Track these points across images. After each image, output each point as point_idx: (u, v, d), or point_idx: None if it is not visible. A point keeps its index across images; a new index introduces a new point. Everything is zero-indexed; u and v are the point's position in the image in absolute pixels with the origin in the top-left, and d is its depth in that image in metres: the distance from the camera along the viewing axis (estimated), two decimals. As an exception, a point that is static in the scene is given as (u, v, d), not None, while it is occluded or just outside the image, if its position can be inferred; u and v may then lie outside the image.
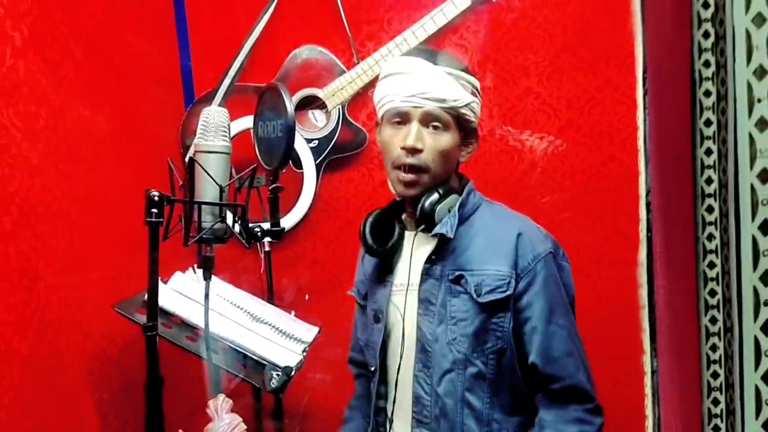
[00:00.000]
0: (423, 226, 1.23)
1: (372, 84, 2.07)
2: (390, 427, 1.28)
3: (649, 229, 0.75)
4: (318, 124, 2.15)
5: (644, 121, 0.75)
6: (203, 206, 1.13)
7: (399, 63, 1.23)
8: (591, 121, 2.01)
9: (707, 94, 0.63)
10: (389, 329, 1.29)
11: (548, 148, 2.05)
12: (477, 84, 1.24)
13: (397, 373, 1.25)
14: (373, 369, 1.30)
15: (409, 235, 1.30)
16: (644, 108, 0.74)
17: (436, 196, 1.22)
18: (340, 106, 2.09)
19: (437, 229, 1.21)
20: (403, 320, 1.25)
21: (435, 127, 1.19)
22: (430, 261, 1.23)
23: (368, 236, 1.28)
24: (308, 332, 1.70)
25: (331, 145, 2.10)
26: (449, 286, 1.21)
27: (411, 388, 1.24)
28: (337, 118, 2.10)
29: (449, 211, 1.22)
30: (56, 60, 1.42)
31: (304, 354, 1.59)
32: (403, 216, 1.33)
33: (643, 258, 0.76)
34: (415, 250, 1.27)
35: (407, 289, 1.26)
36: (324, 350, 1.85)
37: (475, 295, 1.18)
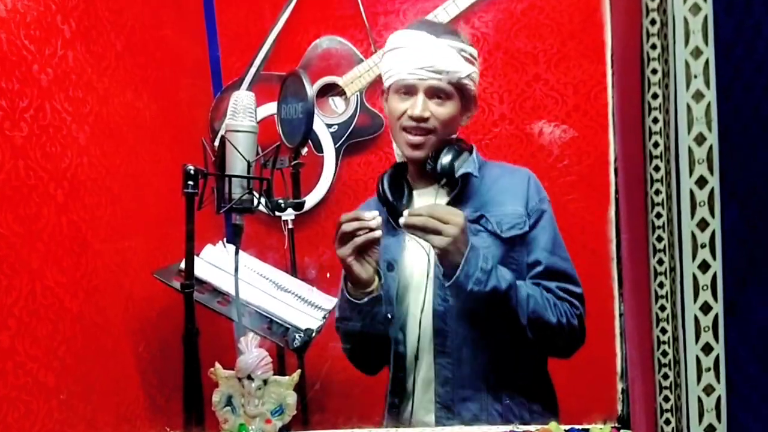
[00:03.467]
0: (444, 180, 1.33)
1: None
2: (416, 365, 1.38)
3: (616, 191, 0.87)
4: (337, 110, 2.27)
5: (611, 98, 0.87)
6: (233, 179, 1.27)
7: (403, 37, 1.35)
8: (597, 106, 2.10)
9: (654, 72, 0.75)
10: (406, 278, 1.39)
11: (557, 133, 2.16)
12: (475, 53, 1.37)
13: (421, 312, 1.35)
14: (390, 316, 1.39)
15: (417, 192, 1.41)
16: (611, 88, 0.87)
17: (452, 150, 1.34)
18: (358, 93, 2.21)
19: (463, 169, 1.33)
20: (428, 267, 1.34)
21: (439, 97, 1.32)
22: (449, 205, 1.34)
23: (387, 191, 1.38)
24: (328, 301, 1.84)
25: (350, 130, 2.22)
26: (468, 226, 1.30)
27: (431, 324, 1.35)
28: (356, 105, 2.21)
29: (465, 163, 1.35)
30: (100, 52, 1.57)
31: (324, 320, 1.73)
32: (408, 176, 1.44)
33: (611, 215, 0.88)
34: (427, 200, 1.39)
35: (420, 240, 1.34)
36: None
37: (498, 231, 1.31)
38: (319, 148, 2.21)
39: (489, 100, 2.17)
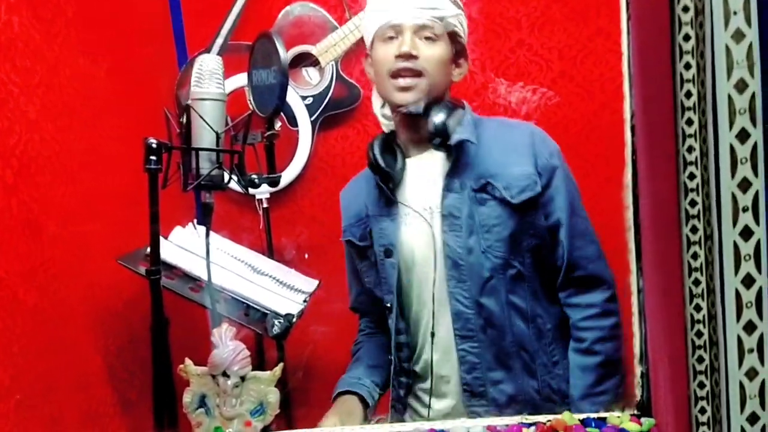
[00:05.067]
0: (438, 140, 1.23)
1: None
2: (432, 353, 1.29)
3: (633, 152, 0.78)
4: (312, 81, 2.16)
5: (628, 47, 0.77)
6: (201, 153, 1.15)
7: None
8: (583, 71, 2.02)
9: (685, 9, 0.65)
10: (407, 262, 1.30)
11: (541, 100, 2.07)
12: (460, 2, 1.28)
13: (433, 300, 1.26)
14: (389, 305, 1.32)
15: (411, 161, 1.32)
16: (627, 35, 0.77)
17: (444, 108, 1.23)
18: (333, 63, 2.09)
19: (457, 137, 1.23)
20: (434, 242, 1.26)
21: (428, 38, 1.23)
22: (450, 176, 1.25)
23: (379, 158, 1.28)
24: (308, 284, 1.74)
25: (325, 102, 2.11)
26: (474, 196, 1.23)
27: (448, 306, 1.26)
28: (331, 75, 2.10)
29: (459, 124, 1.25)
30: (49, 17, 1.43)
31: (305, 304, 1.63)
32: (400, 142, 1.33)
33: (628, 180, 0.79)
34: (420, 173, 1.29)
35: (423, 213, 1.28)
36: (324, 305, 1.88)
37: (508, 197, 1.21)
38: (293, 122, 2.10)
39: (471, 68, 2.07)
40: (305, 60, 2.13)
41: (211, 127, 1.14)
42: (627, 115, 0.78)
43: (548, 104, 2.04)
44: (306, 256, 2.27)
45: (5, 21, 1.28)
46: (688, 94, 0.66)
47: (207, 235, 1.22)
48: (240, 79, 2.01)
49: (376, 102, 1.38)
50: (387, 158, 1.29)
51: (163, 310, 1.14)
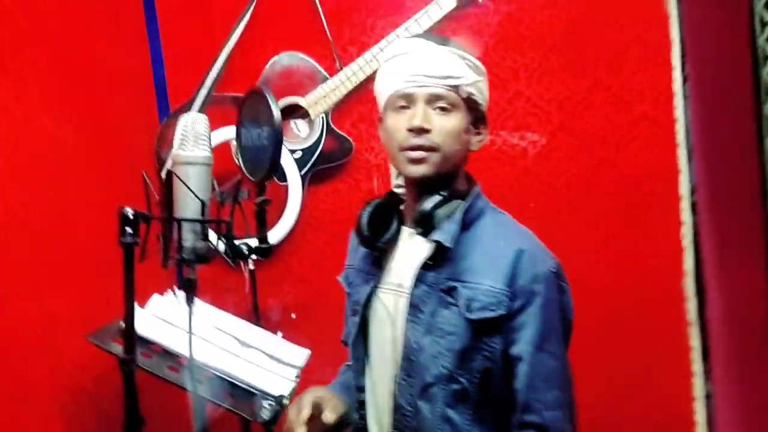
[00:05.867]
0: (420, 230, 1.14)
1: (356, 90, 1.99)
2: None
3: (695, 233, 0.66)
4: (301, 134, 2.07)
5: (684, 110, 0.67)
6: (183, 223, 1.03)
7: (399, 45, 1.17)
8: (583, 124, 1.94)
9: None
10: (370, 326, 1.22)
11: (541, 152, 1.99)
12: (481, 65, 1.17)
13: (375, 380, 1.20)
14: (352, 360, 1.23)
15: (406, 231, 1.21)
16: (684, 97, 0.66)
17: (437, 197, 1.13)
18: (323, 115, 2.00)
19: (435, 236, 1.13)
20: (398, 323, 1.17)
21: (442, 108, 1.12)
22: (426, 266, 1.14)
23: (365, 227, 1.18)
24: (300, 356, 1.59)
25: (315, 156, 2.01)
26: (441, 296, 1.12)
27: (391, 396, 1.16)
28: (321, 128, 2.01)
29: (449, 217, 1.14)
30: (17, 69, 1.32)
31: (297, 379, 1.49)
32: (402, 208, 1.24)
33: (689, 267, 0.67)
34: (410, 251, 1.19)
35: (398, 292, 1.18)
36: (314, 372, 1.73)
37: (465, 311, 1.09)
38: (282, 176, 2.00)
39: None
40: (294, 112, 2.04)
41: (196, 195, 1.02)
42: (684, 191, 0.67)
43: (548, 156, 1.96)
44: (293, 316, 2.15)
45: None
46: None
47: (189, 314, 1.08)
48: (225, 133, 1.92)
49: (393, 172, 1.28)
50: (378, 226, 1.20)
51: (138, 407, 0.99)
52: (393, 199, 1.25)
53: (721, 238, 0.64)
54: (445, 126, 1.12)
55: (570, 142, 1.94)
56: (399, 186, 1.26)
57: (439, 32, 1.97)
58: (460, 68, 1.13)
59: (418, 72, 1.12)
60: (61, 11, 1.50)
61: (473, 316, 1.09)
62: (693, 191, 0.67)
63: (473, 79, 1.13)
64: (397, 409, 1.16)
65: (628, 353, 1.09)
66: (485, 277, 1.11)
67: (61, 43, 1.47)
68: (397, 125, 1.14)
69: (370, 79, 1.94)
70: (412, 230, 1.20)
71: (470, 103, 1.15)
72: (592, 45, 1.90)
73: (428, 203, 1.13)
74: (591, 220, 1.91)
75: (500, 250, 1.13)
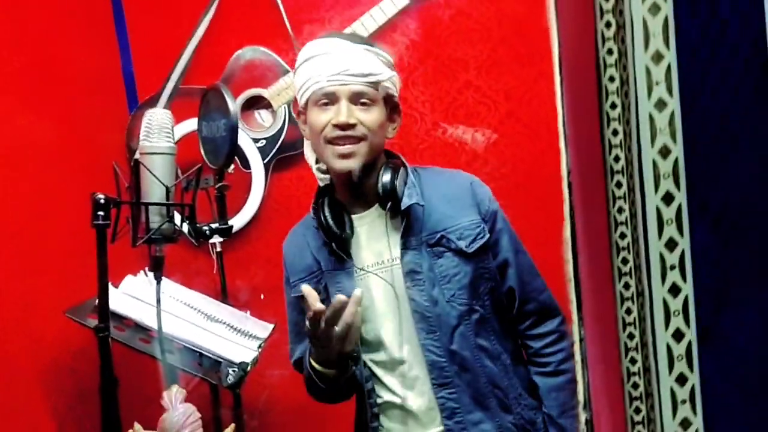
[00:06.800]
0: (390, 204, 1.24)
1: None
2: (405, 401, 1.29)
3: (571, 209, 0.81)
4: (264, 123, 2.16)
5: (562, 108, 0.81)
6: (150, 207, 1.14)
7: (318, 45, 1.24)
8: (530, 112, 2.08)
9: (611, 79, 0.69)
10: (372, 317, 1.29)
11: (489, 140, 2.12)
12: (392, 60, 1.29)
13: (399, 347, 1.27)
14: (356, 356, 1.28)
15: (355, 218, 1.31)
16: (561, 97, 0.80)
17: (390, 172, 1.25)
18: (285, 105, 2.11)
19: (407, 201, 1.24)
20: (397, 297, 1.27)
21: (363, 104, 1.23)
22: (405, 234, 1.26)
23: (331, 223, 1.26)
24: (263, 329, 1.73)
25: (278, 144, 2.12)
26: (430, 250, 1.25)
27: (422, 357, 1.26)
28: (284, 118, 2.11)
29: (405, 184, 1.26)
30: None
31: (260, 350, 1.62)
32: (340, 198, 1.32)
33: (567, 235, 0.82)
34: (370, 229, 1.30)
35: (384, 267, 1.28)
36: (281, 347, 1.86)
37: (464, 248, 1.25)
38: (246, 164, 2.10)
39: (420, 109, 2.12)
40: (258, 103, 2.14)
41: (160, 182, 1.14)
42: (564, 173, 0.81)
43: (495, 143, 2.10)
44: (262, 296, 2.26)
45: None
46: (617, 159, 0.69)
47: (158, 288, 1.21)
48: (191, 124, 2.02)
49: (311, 158, 1.38)
50: (337, 221, 1.28)
51: (113, 370, 1.11)
52: (329, 191, 1.33)
53: (584, 211, 0.79)
54: (369, 118, 1.22)
55: (518, 130, 2.09)
56: (321, 170, 1.35)
57: (393, 27, 2.09)
58: (378, 66, 1.23)
59: (340, 71, 1.20)
60: (34, 12, 1.59)
61: (471, 249, 1.25)
62: (569, 173, 0.81)
63: (389, 75, 1.24)
64: (433, 365, 1.26)
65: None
66: (461, 216, 1.27)
67: (34, 44, 1.56)
68: (322, 120, 1.23)
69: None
70: (360, 213, 1.31)
71: (387, 96, 1.27)
72: (540, 38, 2.03)
73: (386, 180, 1.23)
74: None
75: (457, 190, 1.30)
